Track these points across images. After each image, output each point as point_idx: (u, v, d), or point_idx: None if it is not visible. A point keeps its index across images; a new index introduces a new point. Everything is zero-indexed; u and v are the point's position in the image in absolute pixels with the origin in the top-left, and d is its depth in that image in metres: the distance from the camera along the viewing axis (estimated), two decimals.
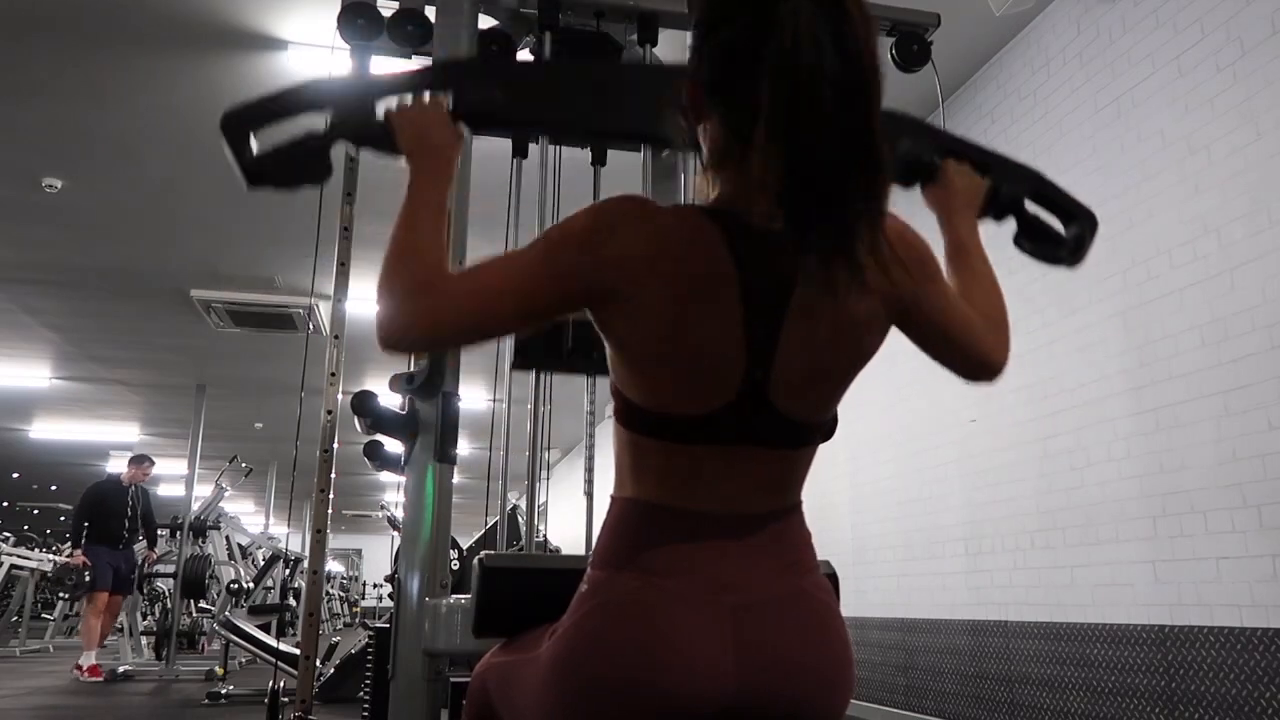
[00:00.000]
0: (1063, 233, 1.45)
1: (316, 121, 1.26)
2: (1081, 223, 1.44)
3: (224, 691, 5.66)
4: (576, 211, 0.97)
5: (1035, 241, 1.45)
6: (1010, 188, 1.38)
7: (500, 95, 1.38)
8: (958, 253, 1.23)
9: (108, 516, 7.49)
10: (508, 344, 2.18)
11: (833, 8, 0.86)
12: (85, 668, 6.92)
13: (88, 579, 7.15)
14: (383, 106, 1.22)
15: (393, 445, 1.85)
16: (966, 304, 1.12)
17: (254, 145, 1.23)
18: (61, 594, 7.01)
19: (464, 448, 2.17)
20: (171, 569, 8.06)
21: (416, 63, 2.12)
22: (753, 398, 0.93)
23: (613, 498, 1.01)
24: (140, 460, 7.90)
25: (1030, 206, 1.43)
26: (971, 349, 1.09)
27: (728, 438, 0.95)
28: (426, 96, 1.22)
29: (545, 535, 5.25)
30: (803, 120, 0.84)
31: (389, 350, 0.97)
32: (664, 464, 0.97)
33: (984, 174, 1.32)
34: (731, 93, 0.91)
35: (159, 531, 8.40)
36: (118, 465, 14.41)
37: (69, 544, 8.12)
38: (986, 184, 1.32)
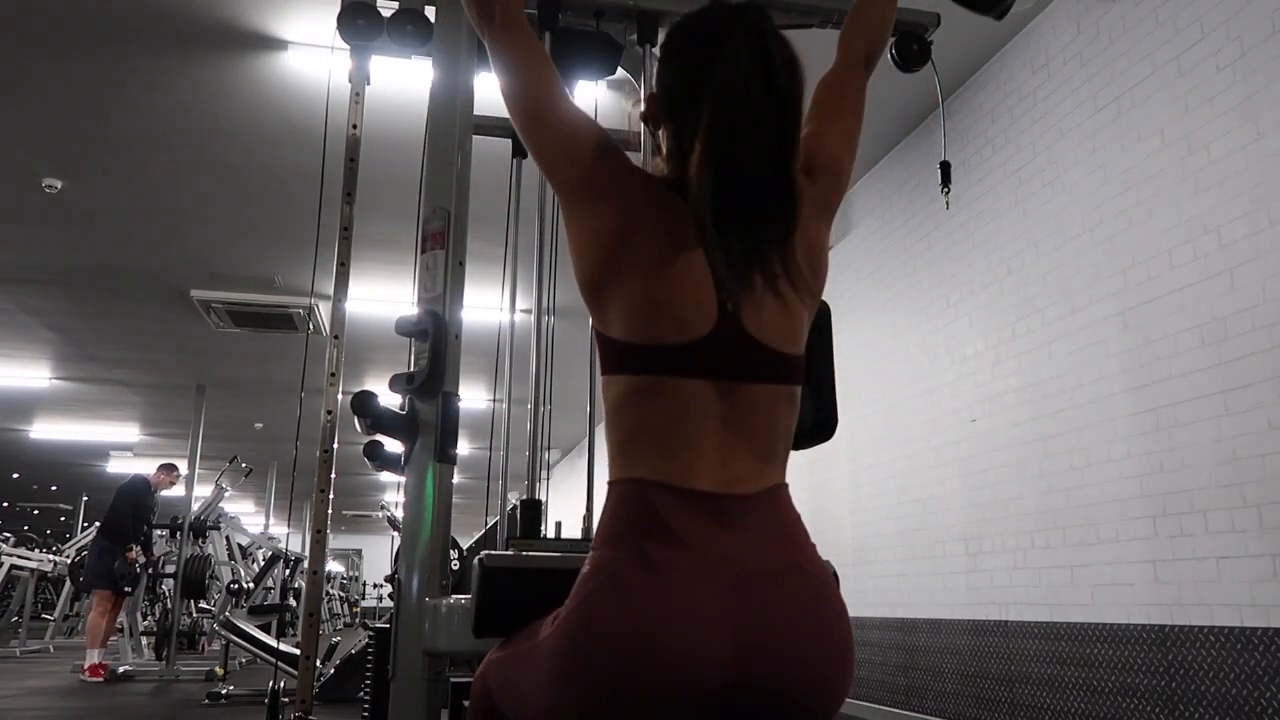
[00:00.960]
0: None
1: None
2: None
3: (224, 691, 5.66)
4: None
5: None
6: None
7: None
8: None
9: (137, 517, 7.58)
10: (507, 342, 2.18)
11: (762, 54, 1.03)
12: (86, 667, 6.92)
13: (137, 571, 7.30)
14: None
15: (393, 445, 1.84)
16: (852, 31, 1.33)
17: None
18: (127, 588, 7.25)
19: (464, 448, 2.17)
20: (171, 569, 8.07)
21: (417, 62, 2.12)
22: (730, 327, 1.01)
23: (609, 484, 1.03)
24: (170, 468, 8.00)
25: None
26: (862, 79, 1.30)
27: (712, 368, 0.99)
28: None
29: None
30: (730, 145, 1.01)
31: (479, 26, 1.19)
32: (656, 427, 0.99)
33: None
34: (680, 112, 1.09)
35: (156, 533, 8.45)
36: (118, 465, 14.47)
37: (83, 541, 8.28)
38: None
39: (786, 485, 1.06)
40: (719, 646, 0.92)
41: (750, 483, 1.01)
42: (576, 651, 0.94)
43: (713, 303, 1.01)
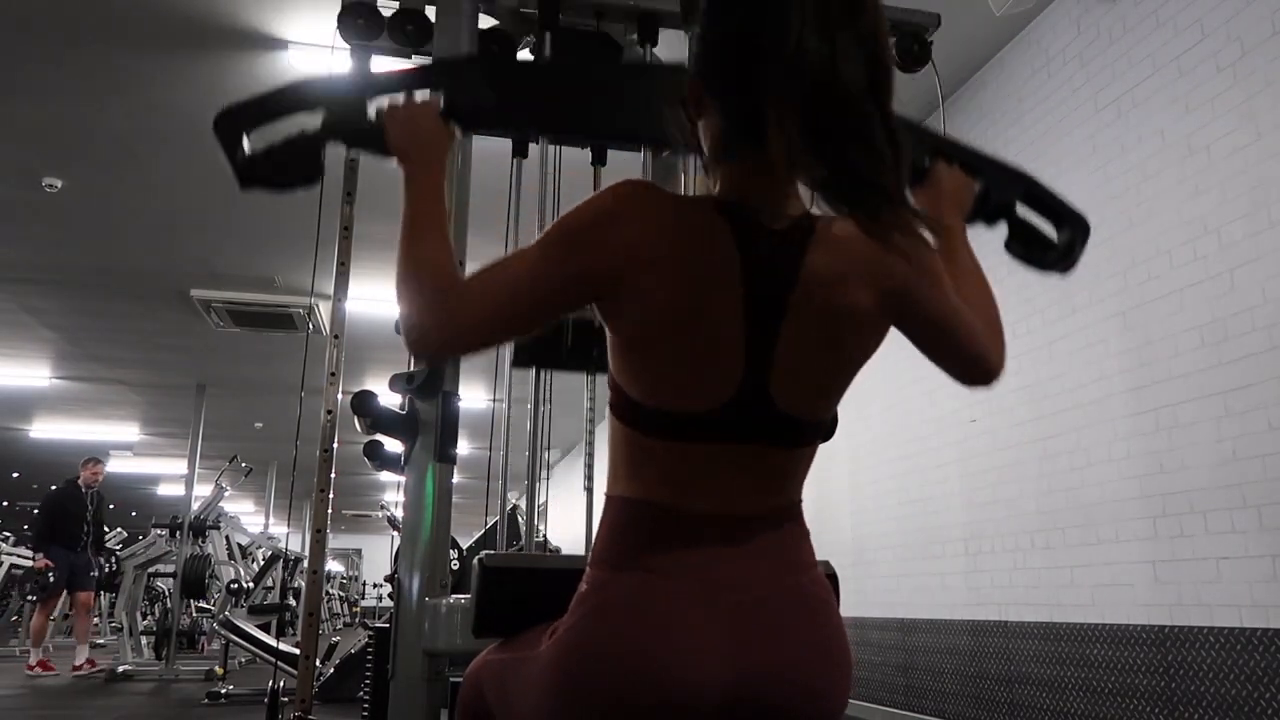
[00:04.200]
0: (1054, 238, 1.43)
1: (310, 121, 1.25)
2: (1073, 228, 1.41)
3: (224, 691, 5.66)
4: (585, 200, 0.97)
5: (1026, 246, 1.42)
6: (1001, 190, 1.37)
7: (493, 95, 1.35)
8: (948, 255, 1.16)
9: (68, 519, 7.74)
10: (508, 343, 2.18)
11: None
12: (36, 663, 7.20)
13: (51, 579, 7.57)
14: (375, 106, 1.22)
15: (393, 445, 1.84)
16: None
17: (247, 145, 1.22)
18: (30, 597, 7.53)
19: (464, 448, 2.17)
20: (171, 569, 8.07)
21: (414, 62, 2.12)
22: (753, 394, 0.94)
23: (608, 496, 1.01)
24: (94, 462, 8.11)
25: (1021, 210, 1.41)
26: (967, 346, 1.07)
27: (729, 435, 0.95)
28: (419, 96, 1.22)
29: (545, 535, 5.25)
30: (823, 109, 0.84)
31: (419, 355, 0.99)
32: (663, 462, 0.96)
33: (974, 176, 1.31)
34: (733, 82, 0.91)
35: (155, 531, 8.51)
36: (118, 464, 14.46)
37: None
38: (977, 186, 1.31)
39: (798, 504, 1.02)
40: (717, 673, 0.91)
41: (756, 505, 0.98)
42: (570, 673, 0.93)
43: (739, 367, 0.92)
